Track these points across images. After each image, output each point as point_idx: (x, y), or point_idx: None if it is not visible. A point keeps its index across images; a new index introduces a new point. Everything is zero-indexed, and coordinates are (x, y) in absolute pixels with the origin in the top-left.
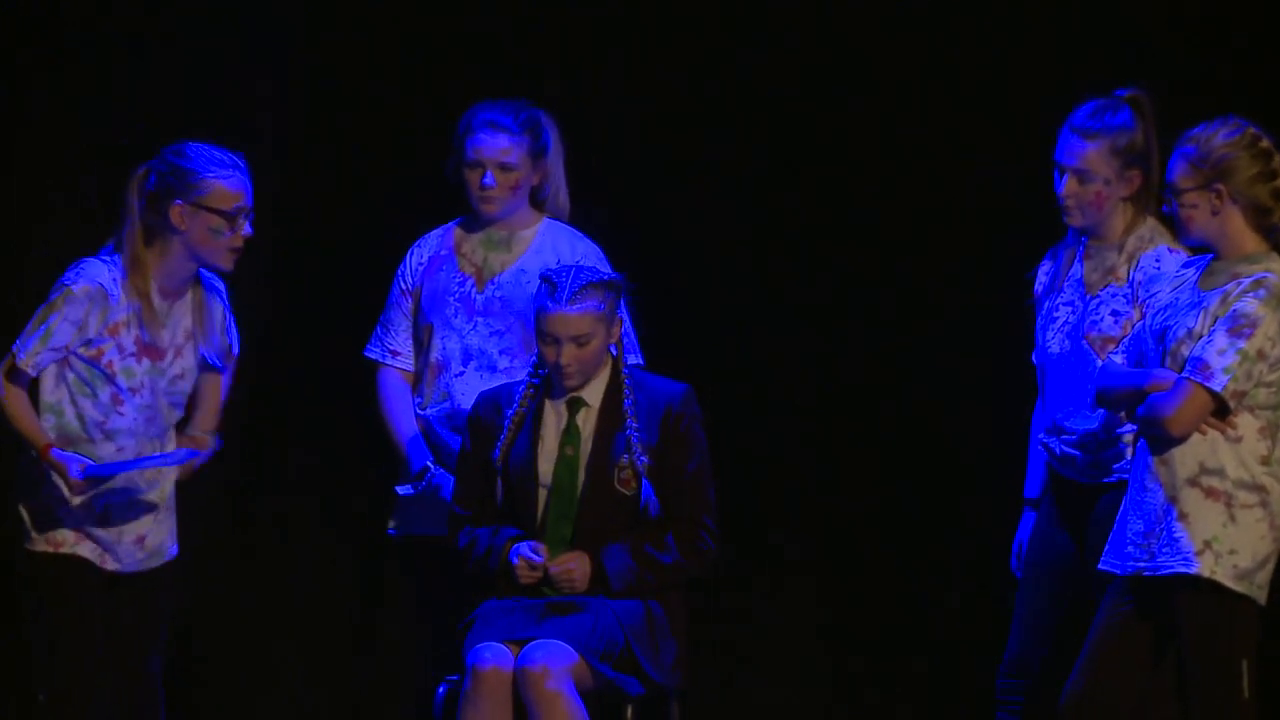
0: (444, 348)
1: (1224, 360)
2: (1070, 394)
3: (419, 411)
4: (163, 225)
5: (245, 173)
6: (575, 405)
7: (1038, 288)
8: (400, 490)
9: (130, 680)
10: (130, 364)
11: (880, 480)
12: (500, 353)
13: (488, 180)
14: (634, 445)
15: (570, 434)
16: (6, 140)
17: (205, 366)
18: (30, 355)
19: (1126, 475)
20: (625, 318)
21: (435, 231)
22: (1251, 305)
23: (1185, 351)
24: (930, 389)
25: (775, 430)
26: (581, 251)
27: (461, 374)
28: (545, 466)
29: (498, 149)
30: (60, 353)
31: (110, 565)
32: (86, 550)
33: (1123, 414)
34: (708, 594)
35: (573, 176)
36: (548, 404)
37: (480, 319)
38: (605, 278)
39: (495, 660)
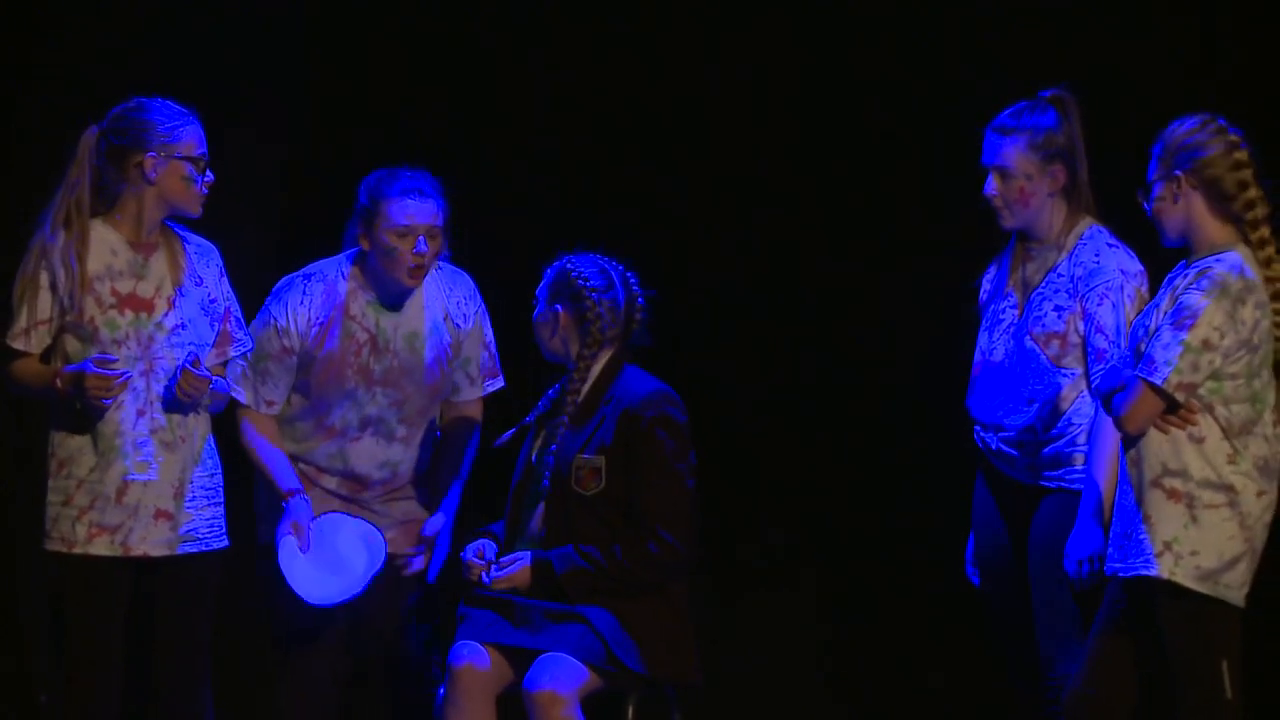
0: (342, 415)
1: (1167, 353)
2: (1012, 392)
3: (301, 459)
4: (132, 179)
5: (199, 123)
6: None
7: (982, 295)
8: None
9: (164, 669)
10: (112, 315)
11: (881, 479)
12: (398, 421)
13: (422, 247)
14: (593, 445)
15: (549, 435)
16: (6, 135)
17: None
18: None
19: (1065, 484)
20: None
21: (315, 285)
22: (1194, 297)
23: (1145, 349)
24: (931, 388)
25: (774, 430)
26: (461, 283)
27: (358, 439)
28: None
29: (430, 214)
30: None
31: (137, 548)
32: (101, 546)
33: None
34: (709, 593)
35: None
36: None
37: (379, 389)
38: (555, 277)
39: (470, 658)
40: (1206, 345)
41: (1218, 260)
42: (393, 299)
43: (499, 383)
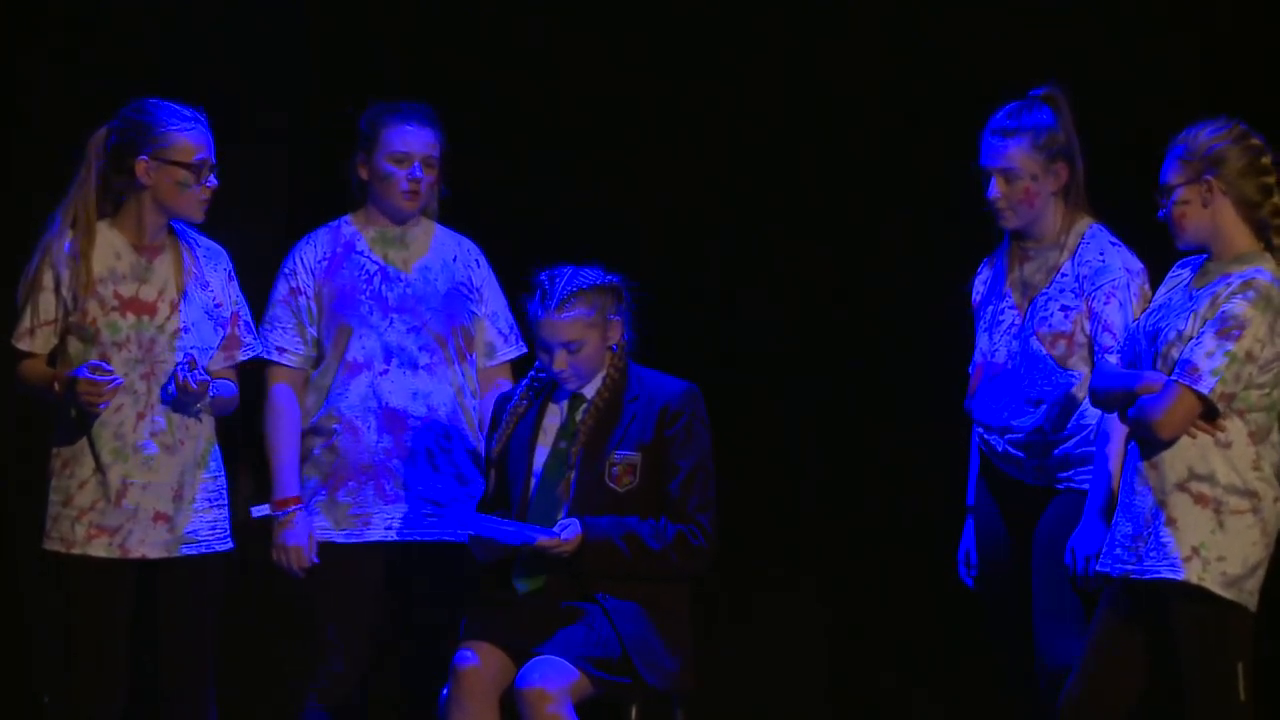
0: (362, 345)
1: (1212, 363)
2: (1018, 394)
3: (340, 412)
4: (128, 181)
5: (206, 126)
6: (576, 401)
7: (976, 296)
8: (255, 511)
9: (168, 670)
10: (114, 318)
11: (884, 479)
12: (419, 348)
13: (417, 173)
14: (629, 441)
15: (566, 428)
16: (7, 130)
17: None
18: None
19: (1074, 484)
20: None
21: (320, 232)
22: (1240, 307)
23: (1176, 354)
24: (935, 387)
25: (776, 430)
26: (467, 242)
27: (385, 372)
28: (540, 458)
29: (426, 142)
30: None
31: (135, 550)
32: (99, 548)
33: (1117, 415)
34: (711, 595)
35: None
36: (552, 400)
37: (395, 315)
38: (595, 283)
39: (476, 659)
40: (1249, 357)
41: (1258, 271)
42: (396, 224)
43: (524, 348)
